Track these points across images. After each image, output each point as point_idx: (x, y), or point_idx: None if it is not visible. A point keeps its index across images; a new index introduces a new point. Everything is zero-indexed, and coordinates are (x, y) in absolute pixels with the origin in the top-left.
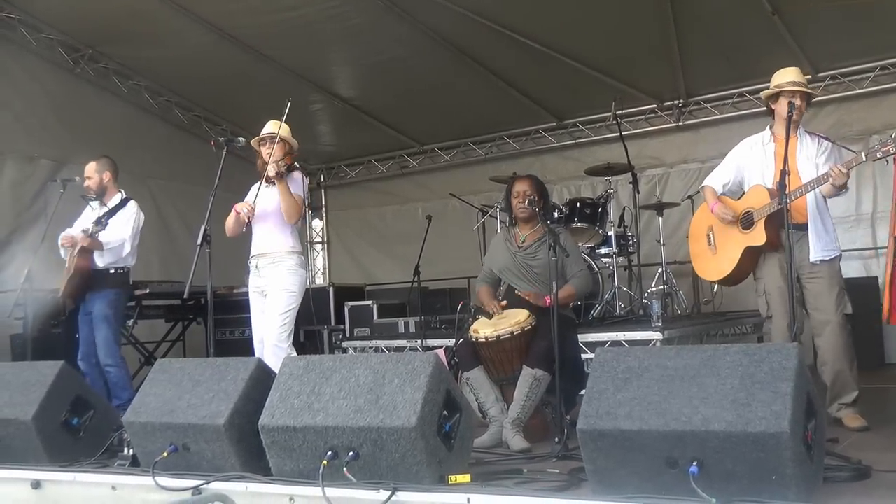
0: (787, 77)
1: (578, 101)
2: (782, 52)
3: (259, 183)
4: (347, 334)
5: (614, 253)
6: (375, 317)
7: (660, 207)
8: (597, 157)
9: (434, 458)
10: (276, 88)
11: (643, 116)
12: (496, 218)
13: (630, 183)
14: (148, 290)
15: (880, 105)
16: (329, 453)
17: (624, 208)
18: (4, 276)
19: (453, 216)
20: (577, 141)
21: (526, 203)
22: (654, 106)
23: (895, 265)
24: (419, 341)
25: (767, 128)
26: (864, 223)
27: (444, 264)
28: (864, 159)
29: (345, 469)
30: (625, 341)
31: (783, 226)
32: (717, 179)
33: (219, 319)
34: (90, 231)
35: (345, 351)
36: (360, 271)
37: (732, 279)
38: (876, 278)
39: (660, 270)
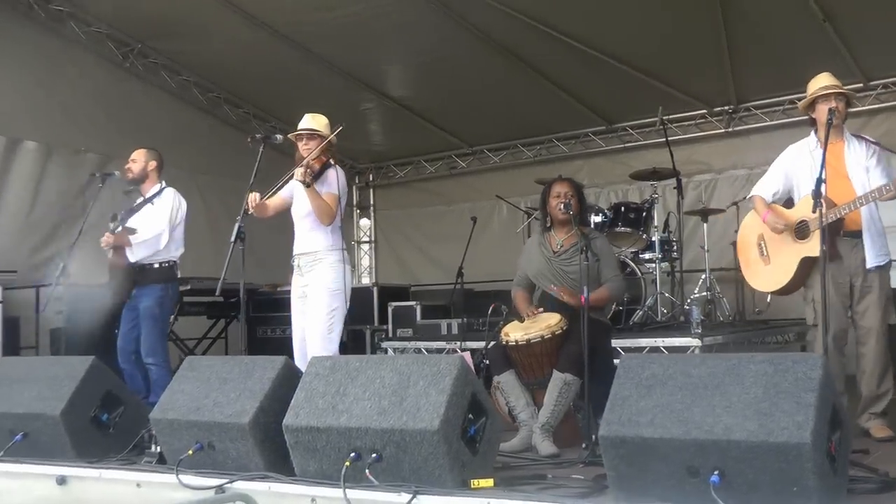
0: (819, 83)
1: (628, 105)
2: (833, 59)
3: (290, 176)
4: (390, 335)
5: (658, 258)
6: (419, 318)
7: (705, 214)
8: (645, 161)
9: (457, 461)
10: (327, 87)
11: (693, 122)
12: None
13: (675, 188)
14: (189, 287)
15: None
16: (352, 454)
17: (669, 213)
18: (50, 269)
19: (499, 218)
20: (626, 145)
21: (563, 206)
22: (704, 111)
23: None
24: (459, 343)
25: (812, 133)
26: (891, 234)
27: (488, 266)
28: None
29: (367, 471)
30: (664, 347)
31: (838, 233)
32: (765, 188)
33: (261, 318)
34: (110, 227)
35: (384, 351)
36: (406, 272)
37: (788, 290)
38: None
39: (703, 276)
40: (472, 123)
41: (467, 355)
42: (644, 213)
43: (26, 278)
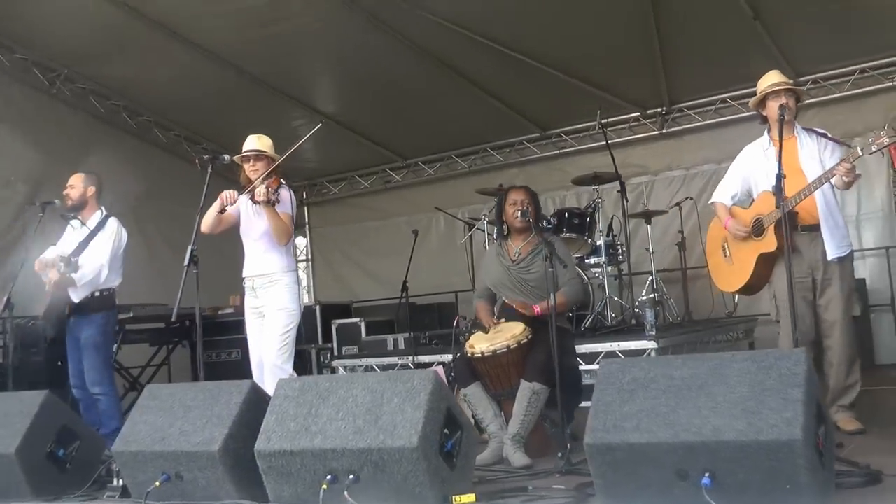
0: (769, 80)
1: (561, 111)
2: (764, 56)
3: (240, 194)
4: (335, 353)
5: (604, 262)
6: (364, 334)
7: (648, 215)
8: (581, 166)
9: (437, 478)
10: (257, 105)
11: (626, 125)
12: (483, 231)
13: (618, 192)
14: (132, 314)
15: (861, 108)
16: (328, 477)
17: (612, 217)
18: None
19: (438, 230)
20: (562, 151)
21: (520, 214)
22: (638, 114)
23: None
24: (410, 358)
25: (765, 132)
26: (849, 225)
27: (430, 279)
28: (861, 153)
29: (346, 493)
30: (619, 351)
31: (794, 228)
32: (724, 193)
33: (205, 342)
34: (61, 268)
35: (334, 371)
36: (345, 289)
37: (750, 288)
38: (864, 280)
39: (650, 279)
40: (406, 136)
41: (440, 369)
42: (588, 218)
43: None
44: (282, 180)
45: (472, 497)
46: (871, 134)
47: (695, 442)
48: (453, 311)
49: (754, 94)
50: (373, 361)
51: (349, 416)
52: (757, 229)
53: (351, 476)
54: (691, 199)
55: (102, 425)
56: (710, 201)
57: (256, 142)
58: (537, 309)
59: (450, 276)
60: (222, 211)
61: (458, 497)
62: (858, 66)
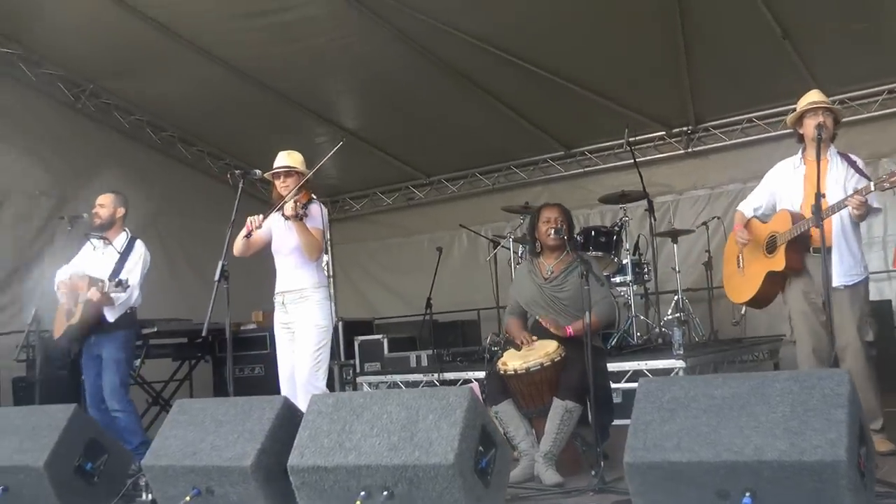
0: (809, 98)
1: (586, 129)
2: (792, 76)
3: (271, 211)
4: (358, 369)
5: (630, 281)
6: (386, 351)
7: (674, 234)
8: (605, 185)
9: (472, 495)
10: (281, 121)
11: (651, 144)
12: (508, 249)
13: (645, 210)
14: (155, 329)
15: (888, 129)
16: (363, 493)
17: (639, 236)
18: (5, 316)
19: (461, 248)
20: (586, 169)
21: (554, 231)
22: (663, 133)
23: None
24: (436, 375)
25: (800, 151)
26: (875, 246)
27: (453, 296)
28: (872, 189)
29: None
30: (647, 370)
31: (807, 249)
32: (749, 204)
33: (225, 357)
34: (106, 287)
35: (356, 387)
36: (366, 306)
37: (757, 302)
38: (890, 301)
39: (676, 298)
40: (429, 153)
41: (475, 386)
42: (614, 237)
43: None
44: (312, 196)
45: None
46: (886, 169)
47: (737, 462)
48: (476, 329)
49: (782, 113)
50: (398, 378)
51: (384, 432)
52: (770, 246)
53: (385, 493)
54: (718, 218)
55: (125, 442)
56: (735, 209)
57: (286, 158)
58: (570, 330)
59: (472, 293)
60: (248, 235)
61: None
62: (886, 87)
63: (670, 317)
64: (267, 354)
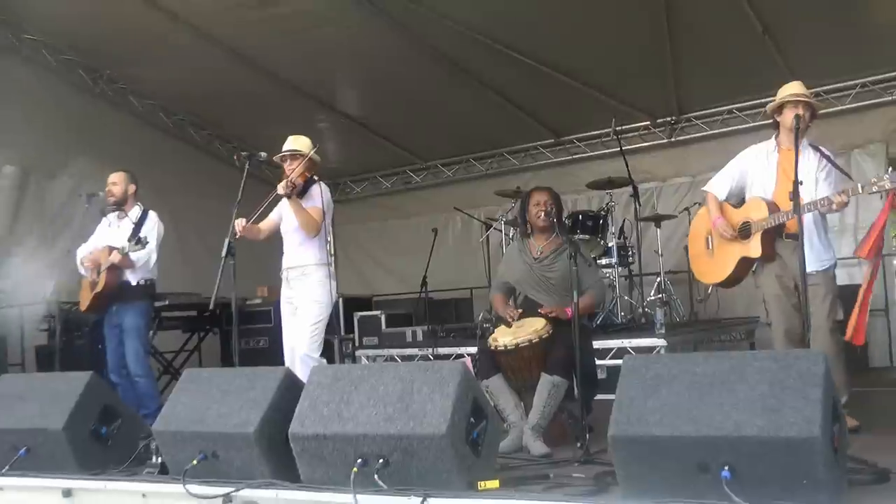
0: (790, 90)
1: (575, 119)
2: (770, 70)
3: (272, 197)
4: (357, 343)
5: (615, 263)
6: (384, 326)
7: (658, 219)
8: (592, 171)
9: (463, 464)
10: (286, 107)
11: (637, 133)
12: (500, 231)
13: (630, 196)
14: (167, 302)
15: (861, 121)
16: (359, 461)
17: (624, 220)
18: (27, 290)
19: (455, 230)
20: (574, 157)
21: (543, 213)
22: (648, 123)
23: (868, 289)
24: (430, 350)
25: (773, 138)
26: (847, 233)
27: (447, 276)
28: (861, 192)
29: (375, 476)
30: (630, 348)
31: (779, 236)
32: (719, 185)
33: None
34: (126, 248)
35: (356, 360)
36: (364, 283)
37: (727, 283)
38: (859, 286)
39: (658, 279)
40: (426, 139)
41: (468, 361)
42: (601, 221)
43: (8, 297)
44: (313, 177)
45: (496, 483)
46: (874, 175)
47: (716, 437)
48: (469, 307)
49: (760, 105)
50: (394, 352)
51: (380, 403)
52: (744, 232)
53: (381, 460)
54: (699, 204)
55: (142, 406)
56: (703, 188)
57: (293, 142)
58: (570, 311)
59: (465, 273)
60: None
61: (483, 483)
62: (859, 81)
63: (652, 298)
64: (271, 328)
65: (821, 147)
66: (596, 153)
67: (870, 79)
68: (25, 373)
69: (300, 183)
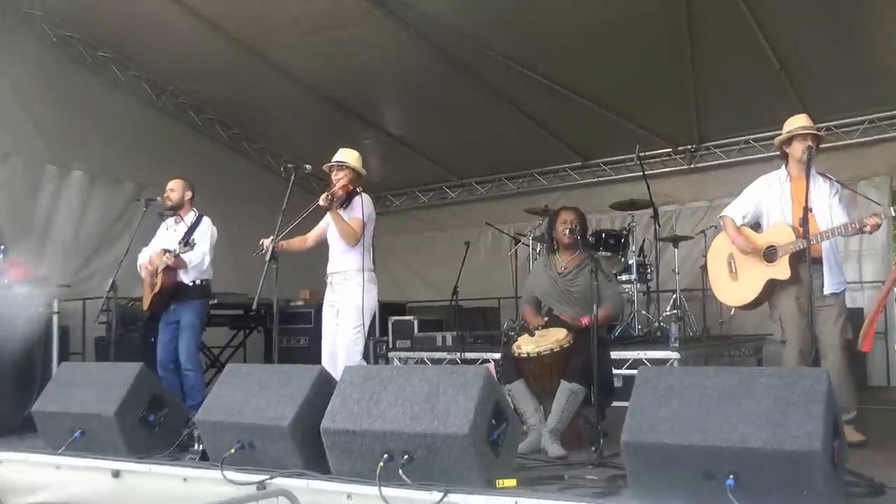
0: (797, 122)
1: (601, 143)
2: (784, 104)
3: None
4: (390, 346)
5: (634, 280)
6: (416, 331)
7: (675, 240)
8: (616, 193)
9: (483, 463)
10: (334, 124)
11: (659, 159)
12: (528, 245)
13: (651, 217)
14: (216, 301)
15: (868, 154)
16: (385, 456)
17: (644, 240)
18: (90, 285)
19: (485, 243)
20: (599, 179)
21: (569, 231)
22: (670, 149)
23: (884, 298)
24: (458, 354)
25: (783, 167)
26: (851, 259)
27: (475, 286)
28: (894, 214)
29: (400, 471)
30: (646, 360)
31: (802, 261)
32: (736, 211)
33: (279, 329)
34: (177, 251)
35: (389, 361)
36: (400, 290)
37: (753, 305)
38: (861, 309)
39: (674, 296)
40: (462, 158)
41: (491, 366)
42: (622, 240)
43: (73, 292)
44: (356, 189)
45: (513, 482)
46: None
47: (723, 447)
48: (496, 315)
49: (773, 136)
50: (424, 355)
51: (407, 403)
52: (769, 255)
53: (406, 456)
54: (715, 227)
55: (189, 398)
56: (721, 215)
57: (341, 154)
58: (585, 321)
59: (494, 284)
60: (261, 254)
61: (501, 481)
62: (867, 117)
63: (668, 313)
64: (311, 328)
65: (828, 175)
66: (620, 176)
67: (876, 115)
68: (84, 362)
69: (341, 195)
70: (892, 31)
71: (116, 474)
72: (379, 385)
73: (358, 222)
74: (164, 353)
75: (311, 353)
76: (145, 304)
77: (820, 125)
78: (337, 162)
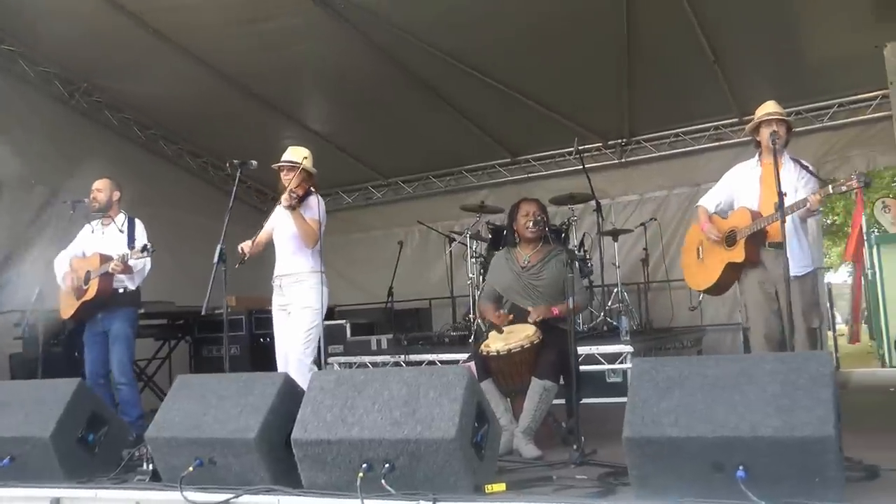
0: (766, 109)
1: (532, 139)
2: (715, 96)
3: (257, 233)
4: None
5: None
6: (349, 335)
7: (616, 233)
8: (548, 189)
9: (469, 467)
10: (253, 121)
11: (589, 153)
12: (465, 244)
13: (594, 211)
14: (142, 310)
15: (794, 146)
16: (364, 465)
17: (584, 234)
18: (2, 296)
19: (412, 243)
20: (529, 175)
21: (532, 223)
22: (600, 144)
23: (857, 296)
24: (402, 356)
25: (756, 154)
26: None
27: (406, 286)
28: (831, 192)
29: (383, 481)
30: (598, 354)
31: (763, 244)
32: (710, 200)
33: (203, 338)
34: (128, 256)
35: (330, 367)
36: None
37: (715, 290)
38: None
39: (615, 290)
40: (388, 156)
41: (472, 366)
42: (563, 234)
43: None
44: (311, 189)
45: (502, 486)
46: (842, 176)
47: (732, 437)
48: (429, 316)
49: (703, 129)
50: (366, 359)
51: (385, 407)
52: (729, 240)
53: (387, 465)
54: (655, 219)
55: (123, 414)
56: (696, 204)
57: (291, 153)
58: (556, 310)
59: (424, 284)
60: (243, 262)
61: (490, 486)
62: (794, 109)
63: (614, 306)
64: (242, 336)
65: (801, 160)
66: (548, 172)
67: (804, 107)
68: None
69: (300, 194)
70: (820, 27)
71: (56, 503)
72: (352, 390)
73: (316, 222)
74: (95, 366)
75: (243, 362)
76: (66, 312)
77: (748, 117)
78: (287, 162)
